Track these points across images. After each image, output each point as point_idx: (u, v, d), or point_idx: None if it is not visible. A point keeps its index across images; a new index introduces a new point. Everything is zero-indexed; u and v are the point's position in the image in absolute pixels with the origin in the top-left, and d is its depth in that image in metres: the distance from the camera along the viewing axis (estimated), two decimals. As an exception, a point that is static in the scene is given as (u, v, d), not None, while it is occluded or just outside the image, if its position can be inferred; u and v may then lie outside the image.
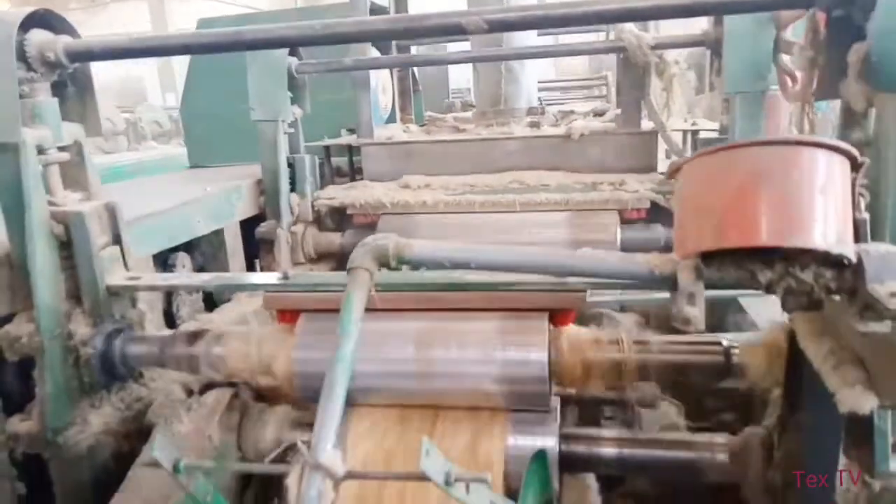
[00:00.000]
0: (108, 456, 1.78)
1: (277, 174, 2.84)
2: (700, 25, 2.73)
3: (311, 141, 3.17)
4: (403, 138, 3.23)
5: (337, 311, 1.13)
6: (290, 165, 2.94)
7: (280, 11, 10.62)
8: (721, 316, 2.09)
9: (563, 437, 1.49)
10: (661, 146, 2.96)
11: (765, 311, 1.83)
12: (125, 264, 1.81)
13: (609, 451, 1.50)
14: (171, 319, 2.43)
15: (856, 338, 1.04)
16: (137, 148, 10.47)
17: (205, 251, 2.75)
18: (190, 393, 1.79)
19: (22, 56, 1.59)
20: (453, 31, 1.45)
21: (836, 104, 1.40)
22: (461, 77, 6.74)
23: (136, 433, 1.75)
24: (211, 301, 2.62)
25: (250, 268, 3.01)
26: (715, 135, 2.90)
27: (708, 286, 1.07)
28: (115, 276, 1.75)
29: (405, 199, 2.84)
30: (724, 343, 1.48)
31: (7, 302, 1.71)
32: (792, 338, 1.31)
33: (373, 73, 3.22)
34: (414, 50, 4.20)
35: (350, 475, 0.93)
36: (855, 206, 1.02)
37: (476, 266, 1.17)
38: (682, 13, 1.41)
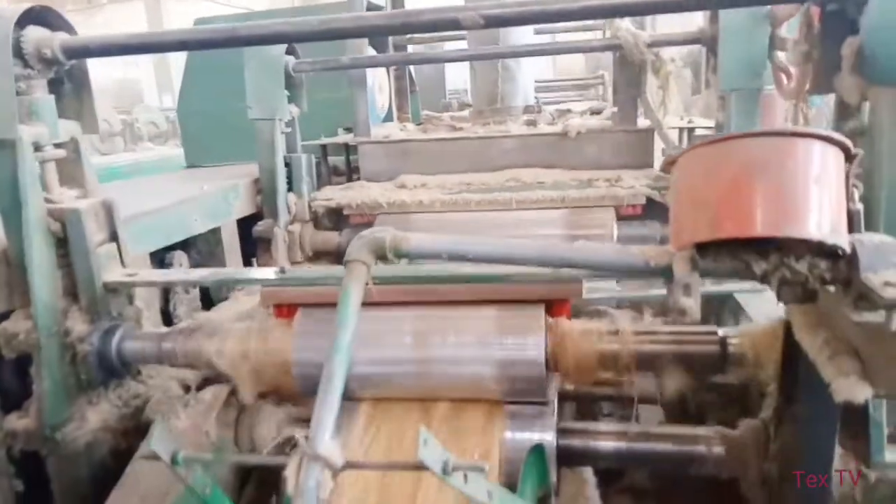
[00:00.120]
0: (105, 453, 1.78)
1: (274, 173, 2.85)
2: (696, 23, 2.74)
3: (308, 140, 3.18)
4: (400, 137, 3.24)
5: (334, 305, 1.13)
6: (287, 164, 2.94)
7: (276, 11, 10.62)
8: (718, 313, 2.10)
9: (561, 431, 1.50)
10: (658, 145, 2.97)
11: (762, 307, 1.84)
12: (122, 262, 1.81)
13: (606, 444, 1.51)
14: (168, 318, 2.43)
15: (850, 328, 1.05)
16: (134, 149, 10.46)
17: (202, 250, 2.74)
18: (187, 389, 1.79)
19: (18, 53, 1.59)
20: (449, 26, 1.45)
21: (831, 99, 1.42)
22: (458, 78, 6.75)
23: (133, 430, 1.75)
24: (208, 300, 2.62)
25: (247, 266, 3.01)
26: (711, 132, 2.91)
27: (703, 277, 1.08)
28: (112, 273, 1.75)
29: (402, 198, 2.84)
30: (720, 333, 1.49)
31: (4, 299, 1.71)
32: (788, 330, 1.32)
33: (369, 72, 3.22)
34: (411, 50, 4.21)
35: (349, 465, 0.94)
36: (849, 197, 1.03)
37: (472, 258, 1.18)
38: (678, 8, 1.42)
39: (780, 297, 1.09)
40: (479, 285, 1.49)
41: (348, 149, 3.32)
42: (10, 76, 1.57)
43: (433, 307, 1.51)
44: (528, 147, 2.97)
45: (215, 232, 2.75)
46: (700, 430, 1.52)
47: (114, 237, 1.79)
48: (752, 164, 0.98)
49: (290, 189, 2.94)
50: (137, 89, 16.81)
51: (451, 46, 4.34)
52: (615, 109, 3.05)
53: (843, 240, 0.98)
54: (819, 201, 0.97)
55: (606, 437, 1.53)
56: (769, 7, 2.32)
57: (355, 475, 1.33)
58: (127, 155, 8.94)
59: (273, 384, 1.62)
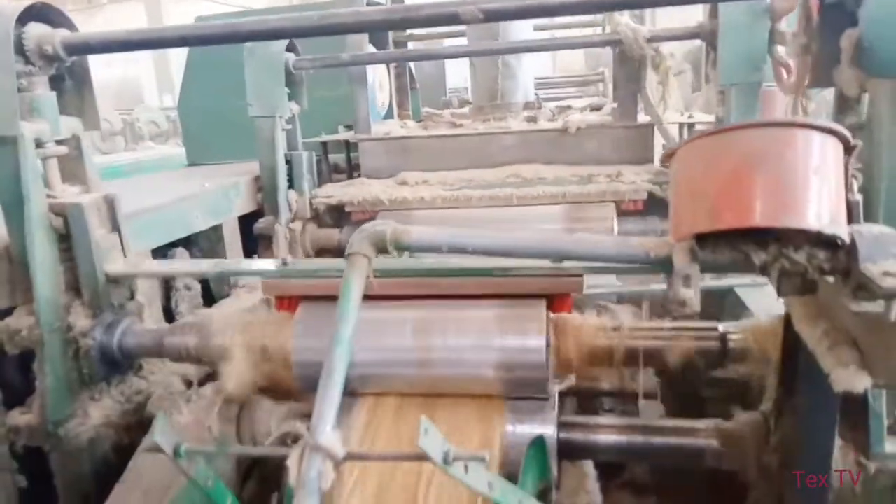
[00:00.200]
0: (108, 448, 1.79)
1: (275, 170, 2.85)
2: (696, 18, 2.75)
3: (308, 137, 3.18)
4: (401, 134, 3.24)
5: (335, 298, 1.14)
6: (288, 162, 2.94)
7: (275, 9, 10.61)
8: (719, 308, 2.10)
9: (562, 425, 1.50)
10: (658, 140, 2.97)
11: (762, 302, 1.84)
12: (124, 256, 1.82)
13: (607, 437, 1.51)
14: (169, 315, 2.43)
15: (849, 318, 1.05)
16: (135, 148, 10.46)
17: (203, 247, 2.75)
18: (189, 385, 1.80)
19: (20, 49, 1.60)
20: (449, 20, 1.45)
21: (830, 93, 1.42)
22: (458, 77, 6.75)
23: (136, 425, 1.76)
24: (210, 297, 2.62)
25: (249, 264, 3.01)
26: (711, 127, 2.92)
27: (704, 271, 1.08)
28: (115, 265, 1.76)
29: (403, 195, 2.85)
30: (721, 328, 1.49)
31: (6, 295, 1.72)
32: (788, 323, 1.32)
33: (370, 69, 3.22)
34: (411, 47, 4.21)
35: (350, 456, 0.94)
36: (848, 187, 1.03)
37: (473, 251, 1.18)
38: (677, 1, 1.42)
39: (779, 290, 1.09)
40: (481, 279, 1.49)
41: (349, 146, 3.32)
42: (11, 73, 1.58)
43: (434, 301, 1.51)
44: (528, 143, 2.97)
45: (217, 229, 2.75)
46: (700, 424, 1.52)
47: (116, 232, 1.80)
48: (752, 154, 0.98)
49: (291, 186, 2.95)
50: (138, 89, 16.80)
51: (451, 43, 4.35)
52: (615, 105, 3.05)
53: (842, 230, 0.98)
54: (818, 192, 0.97)
55: (607, 431, 1.53)
56: (768, 1, 2.33)
57: (356, 473, 1.34)
58: (128, 154, 8.93)
59: (274, 378, 1.63)
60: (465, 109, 3.91)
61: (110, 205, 1.77)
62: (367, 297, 1.17)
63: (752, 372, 1.52)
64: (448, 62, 5.75)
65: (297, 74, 2.90)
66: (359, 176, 3.19)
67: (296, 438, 1.04)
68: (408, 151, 3.10)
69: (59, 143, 1.72)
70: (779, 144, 0.98)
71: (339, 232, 2.98)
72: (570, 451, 1.50)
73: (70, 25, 1.70)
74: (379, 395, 1.53)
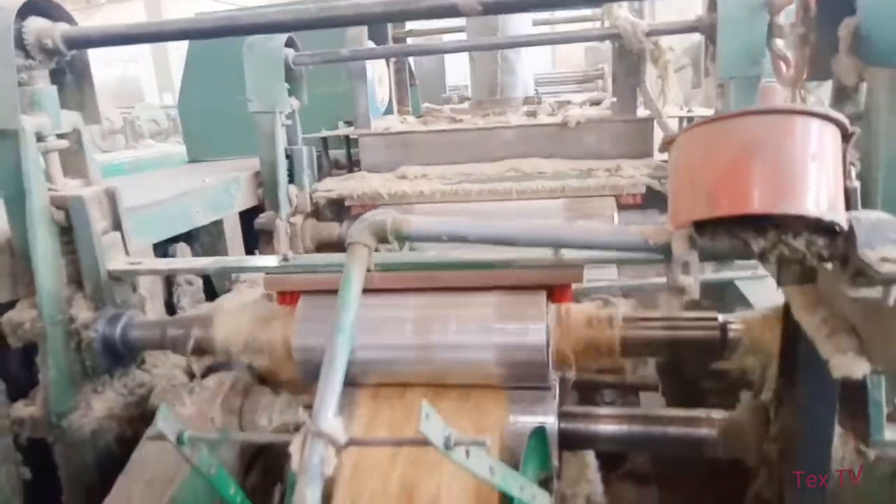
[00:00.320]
0: (111, 440, 1.80)
1: (275, 165, 2.85)
2: (695, 12, 2.75)
3: (308, 133, 3.18)
4: (401, 129, 3.24)
5: (336, 292, 1.14)
6: (289, 157, 2.95)
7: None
8: (719, 300, 2.11)
9: (563, 415, 1.50)
10: (658, 134, 2.97)
11: (762, 293, 1.84)
12: (126, 250, 1.83)
13: (607, 427, 1.52)
14: (171, 310, 2.44)
15: (848, 305, 1.06)
16: (135, 146, 10.46)
17: (204, 242, 2.76)
18: (191, 377, 1.80)
19: (20, 43, 1.61)
20: (448, 13, 1.46)
21: (827, 90, 1.42)
22: (458, 75, 6.75)
23: (139, 417, 1.77)
24: (211, 292, 2.63)
25: (250, 259, 3.02)
26: (710, 121, 2.91)
27: (703, 259, 1.09)
28: (116, 261, 1.77)
29: (402, 189, 2.85)
30: (720, 319, 1.49)
31: (9, 288, 1.73)
32: (787, 312, 1.32)
33: (369, 65, 3.22)
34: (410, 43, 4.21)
35: (352, 442, 0.95)
36: (846, 174, 1.03)
37: (472, 240, 1.18)
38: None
39: (778, 280, 1.09)
40: (481, 271, 1.49)
41: (349, 141, 3.32)
42: (11, 67, 1.58)
43: (435, 293, 1.51)
44: (527, 137, 2.97)
45: (217, 224, 2.76)
46: (700, 413, 1.53)
47: (117, 225, 1.81)
48: (750, 141, 0.98)
49: (291, 181, 2.96)
50: (137, 87, 16.80)
51: (450, 39, 4.35)
52: (614, 99, 3.05)
53: (840, 216, 0.98)
54: (816, 178, 0.97)
55: (608, 421, 1.53)
56: (767, -6, 2.33)
57: (359, 465, 1.34)
58: (128, 152, 8.94)
59: (276, 371, 1.63)
60: (465, 105, 3.91)
61: (111, 198, 1.78)
62: (368, 291, 1.17)
63: (751, 362, 1.53)
64: (448, 60, 5.76)
65: (297, 70, 2.90)
66: (359, 171, 3.19)
67: (298, 426, 1.05)
68: (408, 146, 3.11)
69: (59, 136, 1.73)
70: (777, 131, 0.98)
71: (340, 226, 2.99)
72: (570, 441, 1.51)
73: (69, 20, 1.71)
74: (379, 387, 1.53)
